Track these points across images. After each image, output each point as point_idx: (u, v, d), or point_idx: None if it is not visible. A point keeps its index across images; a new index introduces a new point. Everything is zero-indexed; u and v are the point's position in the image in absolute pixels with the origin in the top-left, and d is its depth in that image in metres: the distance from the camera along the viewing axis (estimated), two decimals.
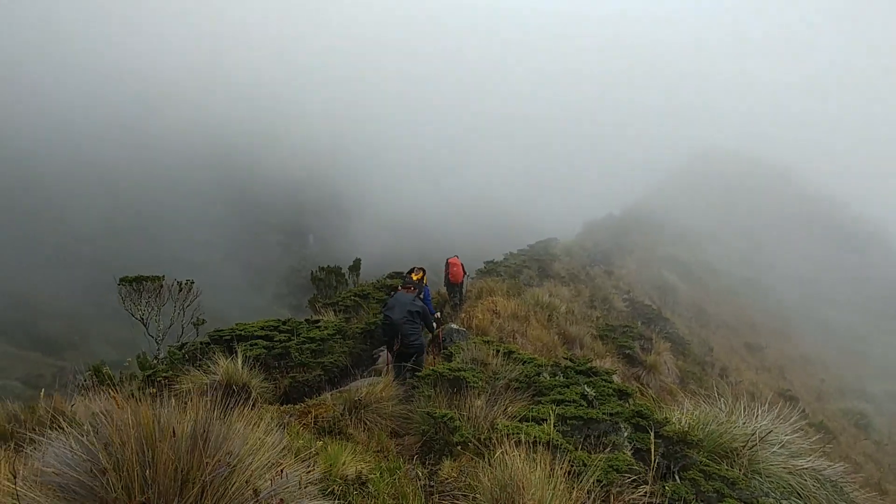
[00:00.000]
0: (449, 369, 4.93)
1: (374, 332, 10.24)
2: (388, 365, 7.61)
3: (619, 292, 21.69)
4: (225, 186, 70.51)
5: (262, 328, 8.35)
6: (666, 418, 4.97)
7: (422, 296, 7.95)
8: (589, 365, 6.80)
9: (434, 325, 7.79)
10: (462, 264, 13.22)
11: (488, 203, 79.55)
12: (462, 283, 13.58)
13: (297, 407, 4.54)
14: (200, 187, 68.73)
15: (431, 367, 5.10)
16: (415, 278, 8.19)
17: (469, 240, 51.93)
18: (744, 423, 5.98)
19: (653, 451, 3.86)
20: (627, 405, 5.94)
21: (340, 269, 13.50)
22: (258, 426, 2.45)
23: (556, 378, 5.86)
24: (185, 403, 2.20)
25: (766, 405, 6.07)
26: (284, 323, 8.94)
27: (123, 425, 1.86)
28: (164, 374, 6.57)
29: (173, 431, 1.87)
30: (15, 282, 48.56)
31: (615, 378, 7.35)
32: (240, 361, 6.48)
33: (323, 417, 4.17)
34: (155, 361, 7.26)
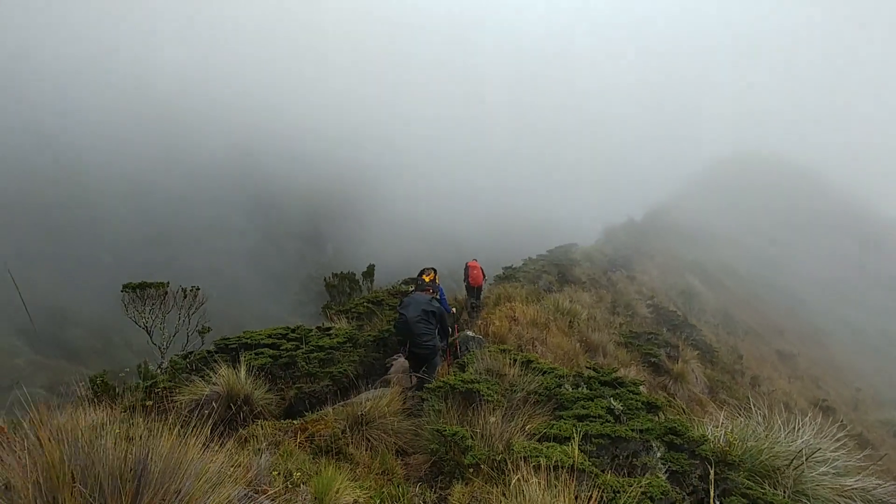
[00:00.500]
0: (461, 381, 4.51)
1: (387, 340, 9.86)
2: (405, 374, 7.22)
3: (641, 298, 21.00)
4: (246, 195, 71.12)
5: (270, 336, 8.03)
6: (703, 436, 4.48)
7: (437, 295, 7.64)
8: (614, 375, 6.31)
9: (450, 328, 7.45)
10: (481, 267, 13.06)
11: (506, 209, 79.01)
12: (481, 286, 13.38)
13: (296, 422, 4.16)
14: (221, 196, 69.43)
15: (442, 379, 4.69)
16: (426, 279, 7.86)
17: (487, 246, 51.40)
18: (785, 439, 5.47)
19: (712, 486, 3.39)
20: (657, 418, 5.45)
21: (354, 275, 13.16)
22: (220, 452, 2.06)
23: (580, 390, 5.39)
24: (129, 426, 1.83)
25: (807, 418, 5.56)
26: (293, 330, 8.60)
27: (26, 463, 1.49)
28: (165, 385, 6.26)
29: (72, 476, 1.49)
30: (42, 291, 49.42)
31: (642, 389, 6.85)
32: (243, 371, 6.14)
33: (321, 434, 3.78)
34: (158, 371, 6.97)
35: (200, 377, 6.39)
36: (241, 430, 4.08)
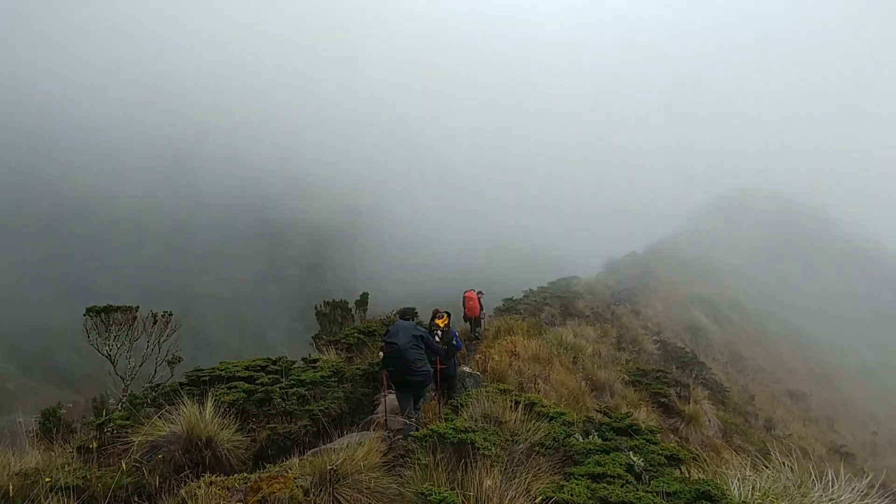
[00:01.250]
0: (453, 429, 3.80)
1: (377, 374, 9.12)
2: (392, 414, 6.53)
3: (648, 333, 20.21)
4: (249, 222, 70.86)
5: (248, 368, 7.30)
6: (744, 503, 3.74)
7: (451, 338, 7.39)
8: (628, 421, 5.57)
9: (445, 348, 7.12)
10: (478, 297, 12.45)
11: (508, 241, 78.50)
12: (479, 317, 12.70)
13: (252, 477, 3.43)
14: (224, 223, 69.18)
15: (431, 427, 3.97)
16: (440, 324, 7.64)
17: (488, 277, 50.60)
18: (820, 497, 4.72)
19: None
20: (680, 473, 4.71)
21: (346, 303, 12.45)
22: None
23: (591, 439, 4.65)
24: None
25: (841, 471, 4.84)
26: (275, 362, 7.88)
27: None
28: (121, 423, 5.54)
29: None
30: (37, 313, 48.68)
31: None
32: (209, 408, 5.42)
33: (277, 497, 3.06)
34: (117, 406, 6.23)
35: (164, 414, 5.66)
36: (181, 488, 3.35)
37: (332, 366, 8.09)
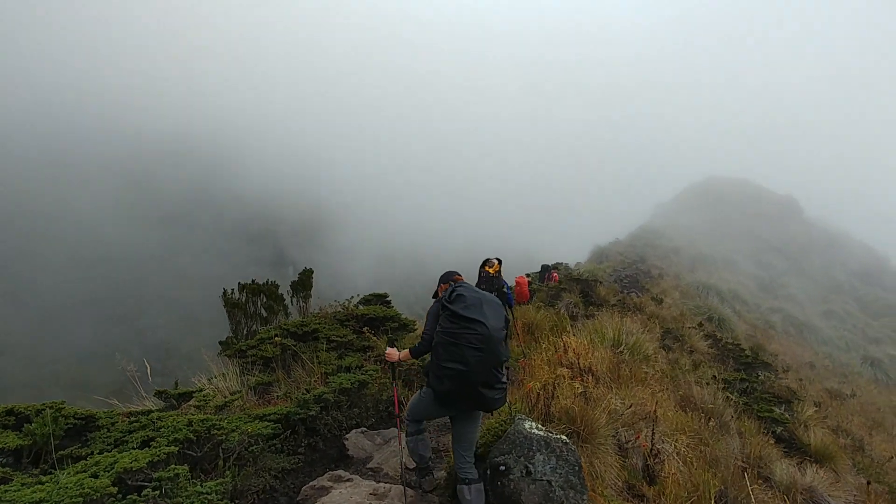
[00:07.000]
0: None
1: (316, 421, 4.33)
2: None
3: (684, 325, 15.88)
4: (205, 213, 64.45)
5: None
6: None
7: (502, 287, 5.04)
8: None
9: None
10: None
11: (480, 230, 74.18)
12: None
13: None
14: (178, 216, 62.63)
15: None
16: (490, 271, 5.47)
17: (464, 266, 46.15)
18: None
19: None
20: None
21: (276, 286, 7.51)
22: None
23: None
24: None
25: None
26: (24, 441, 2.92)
27: None
28: None
29: None
30: None
31: None
32: None
33: None
34: None
35: None
36: None
37: (191, 427, 3.18)
